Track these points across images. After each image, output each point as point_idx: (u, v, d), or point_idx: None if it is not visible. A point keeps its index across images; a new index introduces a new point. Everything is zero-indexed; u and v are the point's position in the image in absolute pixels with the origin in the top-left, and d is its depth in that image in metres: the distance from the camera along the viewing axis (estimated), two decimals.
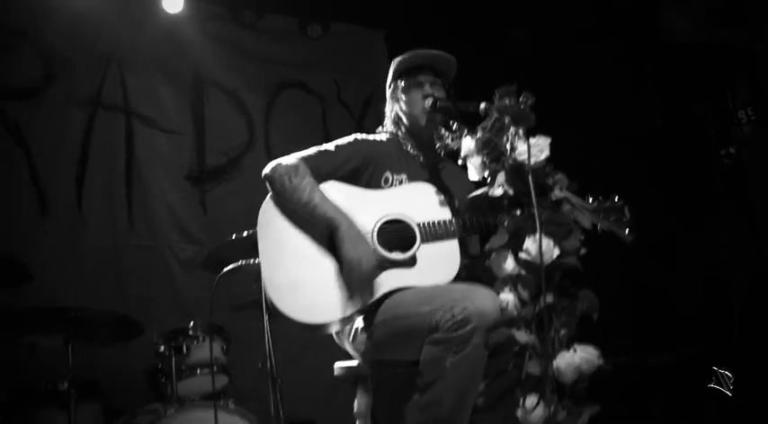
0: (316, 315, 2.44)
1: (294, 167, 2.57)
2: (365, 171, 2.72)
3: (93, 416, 3.56)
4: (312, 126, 5.29)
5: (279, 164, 2.60)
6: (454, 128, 2.66)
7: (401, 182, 2.75)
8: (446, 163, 2.92)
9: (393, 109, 2.90)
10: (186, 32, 4.85)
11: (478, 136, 2.44)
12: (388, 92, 2.94)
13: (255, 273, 3.53)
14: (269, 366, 3.56)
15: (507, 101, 2.41)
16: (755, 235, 4.37)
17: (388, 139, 2.87)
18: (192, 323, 3.73)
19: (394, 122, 2.90)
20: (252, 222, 4.19)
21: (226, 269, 3.25)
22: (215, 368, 3.66)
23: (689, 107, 4.77)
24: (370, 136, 2.85)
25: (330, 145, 2.72)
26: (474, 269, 2.73)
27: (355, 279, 2.41)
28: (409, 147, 2.85)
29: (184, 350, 3.62)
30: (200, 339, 3.69)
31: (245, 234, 3.50)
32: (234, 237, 3.56)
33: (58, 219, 4.36)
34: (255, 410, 3.62)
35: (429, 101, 2.75)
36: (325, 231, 2.55)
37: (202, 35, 4.91)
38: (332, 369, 4.78)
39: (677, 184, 4.76)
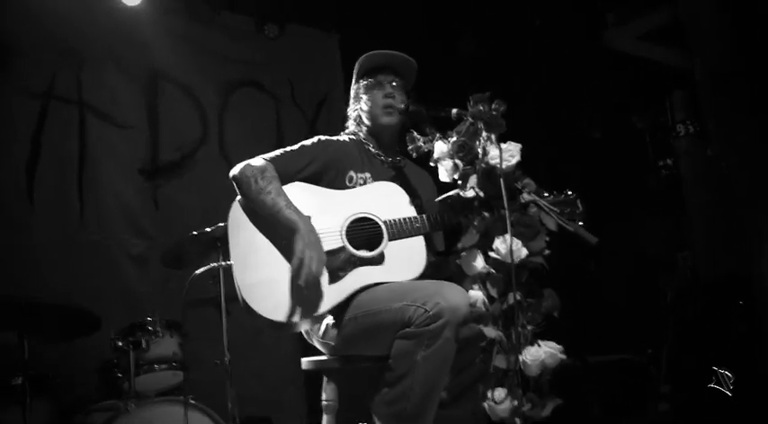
0: (287, 314, 2.47)
1: (261, 169, 2.60)
2: (329, 171, 2.77)
3: (46, 411, 3.49)
4: (266, 125, 5.32)
5: (247, 165, 2.62)
6: (426, 131, 2.67)
7: (365, 181, 2.80)
8: (405, 161, 3.00)
9: (355, 108, 2.96)
10: (142, 26, 4.80)
11: (453, 139, 2.53)
12: (352, 93, 2.99)
13: (213, 271, 3.59)
14: (227, 363, 3.59)
15: (481, 107, 2.52)
16: (689, 242, 4.62)
17: (350, 139, 2.92)
18: (149, 318, 3.71)
19: (356, 122, 2.96)
20: (204, 218, 4.25)
21: (198, 271, 3.26)
22: (173, 364, 3.67)
23: (629, 119, 5.02)
24: (333, 138, 2.89)
25: (296, 147, 2.76)
26: (441, 266, 2.83)
27: (303, 277, 2.41)
28: (371, 147, 2.91)
29: (143, 345, 3.60)
30: (160, 334, 3.68)
31: (207, 229, 3.52)
32: (195, 233, 3.56)
33: (6, 211, 4.26)
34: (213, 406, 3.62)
35: (389, 100, 2.83)
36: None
37: (158, 29, 4.86)
38: (280, 368, 4.88)
39: (617, 192, 4.98)
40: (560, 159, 5.03)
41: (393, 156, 2.96)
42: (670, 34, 4.44)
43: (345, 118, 3.04)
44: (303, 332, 2.80)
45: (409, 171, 3.00)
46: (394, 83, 2.88)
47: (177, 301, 4.01)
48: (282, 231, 2.54)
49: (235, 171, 2.64)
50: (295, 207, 2.54)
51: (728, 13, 3.82)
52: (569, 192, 2.64)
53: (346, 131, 3.00)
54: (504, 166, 2.44)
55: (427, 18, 5.20)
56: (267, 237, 2.59)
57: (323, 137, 2.84)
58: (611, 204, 4.99)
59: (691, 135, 4.48)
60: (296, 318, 2.48)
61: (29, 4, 4.44)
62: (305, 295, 2.49)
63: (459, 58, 5.37)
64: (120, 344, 3.61)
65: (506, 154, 2.47)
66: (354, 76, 2.97)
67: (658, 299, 4.49)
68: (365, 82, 2.91)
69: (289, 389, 4.99)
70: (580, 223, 2.64)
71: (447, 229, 2.73)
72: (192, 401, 3.48)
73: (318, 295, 2.51)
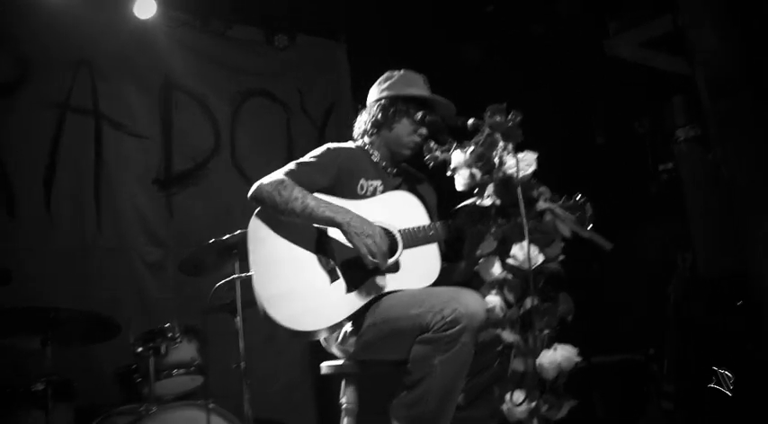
0: (307, 323, 2.54)
1: (279, 182, 2.64)
2: (341, 179, 2.80)
3: (68, 417, 3.55)
4: (276, 133, 5.41)
5: (262, 183, 2.66)
6: (442, 140, 2.72)
7: (375, 189, 2.85)
8: (408, 170, 3.06)
9: (379, 120, 2.91)
10: (156, 38, 4.89)
11: (472, 149, 2.60)
12: (375, 105, 2.94)
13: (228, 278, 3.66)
14: (242, 367, 3.67)
15: (498, 118, 2.59)
16: (689, 244, 4.70)
17: (357, 147, 2.95)
18: (168, 324, 3.77)
19: (374, 129, 2.93)
20: (217, 225, 4.35)
21: (219, 283, 3.35)
22: (192, 368, 3.74)
23: (630, 124, 5.12)
24: (341, 145, 2.91)
25: (306, 159, 2.78)
26: (449, 274, 2.84)
27: (379, 260, 2.51)
28: (378, 158, 2.95)
29: (163, 351, 3.66)
30: (178, 339, 3.74)
31: (224, 237, 3.60)
32: (212, 241, 3.63)
33: (25, 220, 4.34)
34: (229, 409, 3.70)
35: (419, 140, 2.85)
36: (314, 240, 2.65)
37: (172, 42, 4.96)
38: (290, 370, 4.98)
39: (619, 196, 5.08)
40: (564, 164, 5.12)
41: (398, 167, 3.01)
42: (671, 42, 4.53)
43: (352, 123, 3.05)
44: (321, 340, 2.85)
45: (412, 179, 3.04)
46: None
47: (193, 307, 4.13)
48: (308, 238, 2.62)
49: (253, 191, 2.68)
50: (326, 203, 2.60)
51: (730, 20, 3.89)
52: (579, 196, 2.70)
53: (355, 135, 3.02)
54: (520, 175, 2.52)
55: (433, 28, 5.28)
56: (286, 249, 2.64)
57: (332, 146, 2.87)
58: (613, 207, 5.10)
59: (690, 139, 4.57)
60: (315, 327, 2.55)
61: (47, 17, 4.51)
62: (325, 304, 2.56)
63: (463, 67, 5.46)
64: (140, 350, 3.66)
65: (523, 164, 2.53)
66: (387, 90, 2.94)
67: (660, 299, 4.57)
68: (405, 107, 2.88)
69: (298, 391, 5.08)
70: (590, 226, 2.72)
71: (458, 236, 2.76)
72: (212, 405, 3.56)
73: (337, 305, 2.58)
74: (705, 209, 4.64)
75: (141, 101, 4.88)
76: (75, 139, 4.60)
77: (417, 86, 2.94)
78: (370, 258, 2.51)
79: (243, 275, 3.48)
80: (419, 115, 2.86)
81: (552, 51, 5.24)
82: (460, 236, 2.71)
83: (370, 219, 2.67)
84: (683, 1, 4.13)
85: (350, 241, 2.53)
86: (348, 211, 2.59)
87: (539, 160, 2.57)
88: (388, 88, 2.96)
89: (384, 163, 2.96)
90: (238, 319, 3.67)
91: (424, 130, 2.88)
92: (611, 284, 5.30)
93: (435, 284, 2.68)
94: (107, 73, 4.77)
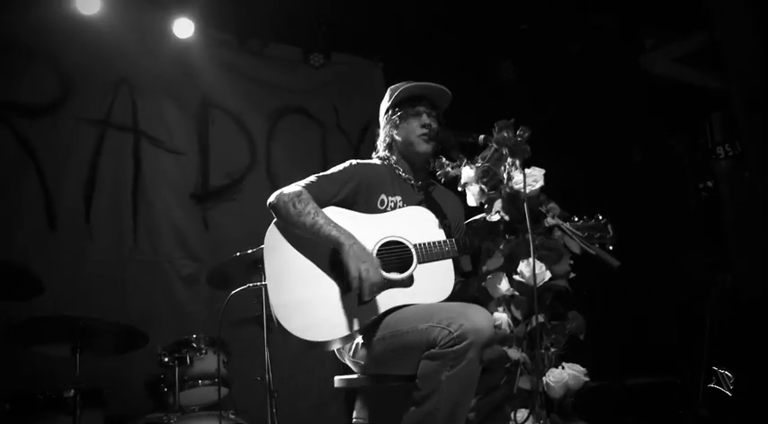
0: (319, 334, 2.55)
1: (297, 194, 2.70)
2: (361, 194, 2.83)
3: (96, 423, 3.64)
4: (311, 150, 5.49)
5: (282, 193, 2.71)
6: (454, 156, 2.73)
7: (395, 204, 2.86)
8: (435, 185, 3.05)
9: (389, 134, 3.01)
10: (194, 57, 5.05)
11: (478, 165, 2.61)
12: (383, 118, 3.05)
13: (257, 291, 3.73)
14: (267, 379, 3.71)
15: (505, 134, 2.57)
16: (729, 265, 4.58)
17: (381, 163, 2.99)
18: (194, 336, 3.85)
19: (388, 146, 3.01)
20: (251, 240, 4.41)
21: (235, 291, 3.40)
22: (216, 380, 3.79)
23: (668, 142, 5.02)
24: (365, 161, 2.96)
25: (328, 172, 2.84)
26: (466, 288, 2.89)
27: (366, 290, 2.51)
28: (402, 171, 2.97)
29: (188, 361, 3.74)
30: (203, 351, 3.81)
31: (249, 251, 3.66)
32: (238, 255, 3.69)
33: (65, 232, 4.50)
34: (254, 422, 3.74)
35: (426, 130, 2.87)
36: (328, 253, 2.66)
37: (210, 60, 5.10)
38: (323, 385, 4.99)
39: (656, 215, 4.98)
40: (601, 182, 5.06)
41: (423, 180, 3.02)
42: (707, 57, 4.45)
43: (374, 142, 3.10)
44: (335, 351, 2.86)
45: (438, 193, 3.05)
46: (432, 114, 2.95)
47: (224, 320, 4.18)
48: (323, 250, 2.64)
49: (271, 198, 2.73)
50: (335, 223, 2.63)
51: (764, 37, 3.82)
52: (600, 217, 2.66)
53: (377, 155, 3.07)
54: (527, 191, 2.50)
55: (468, 46, 5.30)
56: (301, 259, 2.68)
57: (354, 161, 2.92)
58: (651, 226, 5.00)
59: (730, 157, 4.46)
60: (325, 338, 2.56)
61: (89, 37, 4.70)
62: (337, 315, 2.57)
63: (501, 86, 5.45)
64: (167, 360, 3.75)
65: (530, 179, 2.52)
66: (388, 103, 3.02)
67: (697, 321, 4.45)
68: (402, 110, 2.96)
69: (330, 407, 5.09)
70: (611, 247, 2.65)
71: (475, 253, 2.76)
72: (233, 416, 3.60)
73: (349, 316, 2.58)
74: (745, 229, 4.51)
75: (179, 118, 5.02)
76: (114, 155, 4.76)
77: (409, 88, 2.98)
78: (357, 282, 2.51)
79: (257, 284, 3.54)
80: (419, 108, 2.92)
81: (587, 68, 5.19)
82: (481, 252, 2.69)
83: (387, 232, 2.71)
84: (718, 15, 4.06)
85: (346, 263, 2.54)
86: (353, 237, 2.61)
87: (561, 176, 2.56)
88: (386, 102, 3.04)
89: (408, 176, 2.99)
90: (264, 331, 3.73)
91: (426, 119, 2.91)
92: (649, 305, 5.19)
93: (451, 300, 2.66)
94: (146, 91, 4.92)
